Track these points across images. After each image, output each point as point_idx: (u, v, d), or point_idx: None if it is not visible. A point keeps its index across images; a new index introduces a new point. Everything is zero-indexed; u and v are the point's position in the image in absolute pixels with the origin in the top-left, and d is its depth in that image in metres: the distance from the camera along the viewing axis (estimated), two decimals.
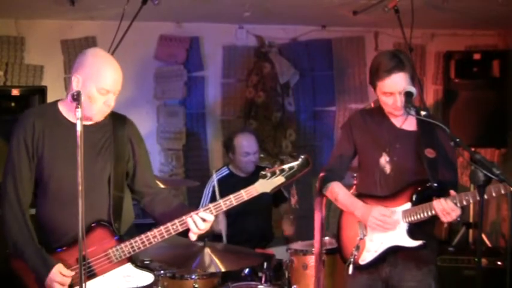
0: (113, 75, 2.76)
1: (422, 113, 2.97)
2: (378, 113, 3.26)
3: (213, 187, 4.65)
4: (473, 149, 2.86)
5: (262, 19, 5.66)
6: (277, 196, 4.71)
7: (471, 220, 5.42)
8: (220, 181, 4.71)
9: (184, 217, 2.75)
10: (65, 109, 2.82)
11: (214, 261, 3.55)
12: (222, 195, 4.59)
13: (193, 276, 3.73)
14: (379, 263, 3.16)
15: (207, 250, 3.59)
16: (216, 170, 4.85)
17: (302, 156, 2.80)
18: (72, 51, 5.58)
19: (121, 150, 2.87)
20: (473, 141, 5.06)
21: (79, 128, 2.48)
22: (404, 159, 3.14)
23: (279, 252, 4.35)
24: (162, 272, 3.81)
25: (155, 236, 2.75)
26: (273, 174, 2.78)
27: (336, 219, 3.38)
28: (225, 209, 2.79)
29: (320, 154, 5.91)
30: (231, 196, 2.78)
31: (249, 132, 4.89)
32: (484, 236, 5.27)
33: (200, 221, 2.74)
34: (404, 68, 3.05)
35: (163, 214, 2.90)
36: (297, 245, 4.17)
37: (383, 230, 3.10)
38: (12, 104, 4.79)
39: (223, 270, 3.56)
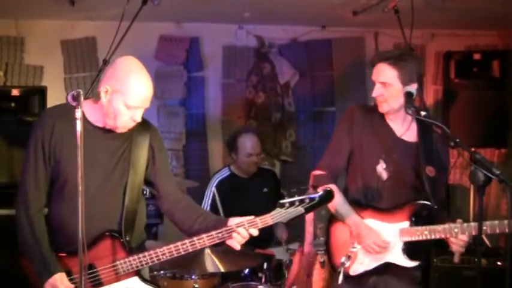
0: (144, 92, 2.65)
1: (422, 113, 2.93)
2: (378, 114, 3.12)
3: (213, 194, 4.64)
4: (473, 149, 2.85)
5: (262, 19, 5.66)
6: (277, 197, 4.69)
7: (471, 220, 5.40)
8: (221, 182, 4.71)
9: (195, 238, 2.70)
10: (88, 112, 2.72)
11: (214, 262, 3.55)
12: (223, 202, 4.62)
13: (193, 276, 3.73)
14: (369, 274, 3.07)
15: (207, 251, 3.59)
16: (215, 173, 4.84)
17: (326, 189, 2.64)
18: (72, 52, 5.58)
19: (140, 158, 2.81)
20: (473, 141, 5.04)
21: (79, 128, 2.43)
22: (402, 172, 3.05)
23: (279, 252, 4.35)
24: (162, 272, 3.80)
25: (164, 253, 2.71)
26: (292, 204, 2.62)
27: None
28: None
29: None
30: (245, 222, 2.68)
31: (253, 132, 4.84)
32: (484, 236, 5.26)
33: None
34: (395, 64, 2.96)
35: (183, 223, 2.89)
36: (297, 246, 4.16)
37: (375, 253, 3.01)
38: (12, 104, 4.78)
39: (222, 270, 3.56)
